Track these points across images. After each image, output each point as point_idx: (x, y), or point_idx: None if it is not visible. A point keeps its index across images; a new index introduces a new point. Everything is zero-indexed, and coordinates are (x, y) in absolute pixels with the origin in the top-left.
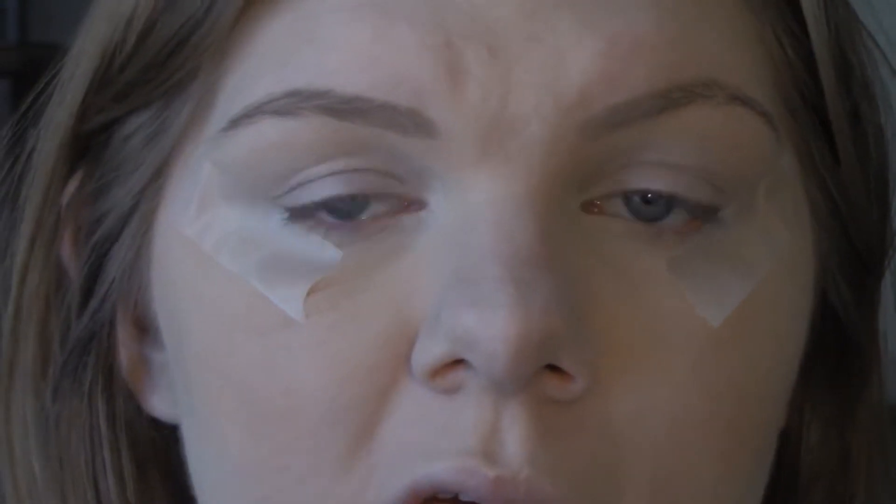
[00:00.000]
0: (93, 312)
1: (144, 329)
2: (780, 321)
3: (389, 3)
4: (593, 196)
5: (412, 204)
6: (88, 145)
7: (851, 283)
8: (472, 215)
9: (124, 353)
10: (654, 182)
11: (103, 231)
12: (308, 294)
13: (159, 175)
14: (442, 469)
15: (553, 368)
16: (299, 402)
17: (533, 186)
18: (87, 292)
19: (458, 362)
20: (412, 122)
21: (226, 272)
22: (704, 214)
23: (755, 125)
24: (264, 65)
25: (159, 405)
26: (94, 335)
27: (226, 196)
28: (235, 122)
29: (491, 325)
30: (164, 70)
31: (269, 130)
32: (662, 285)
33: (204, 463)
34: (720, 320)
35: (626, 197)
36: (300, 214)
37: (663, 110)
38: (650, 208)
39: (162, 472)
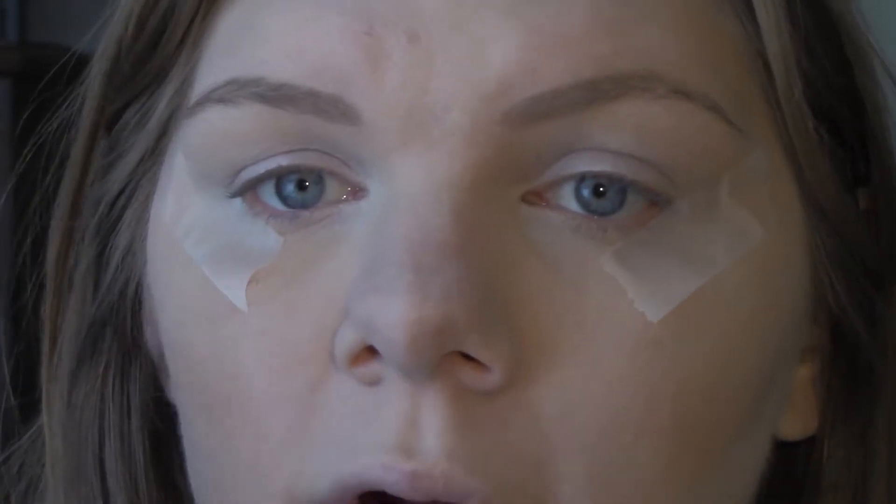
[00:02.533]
0: (102, 297)
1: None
2: (741, 319)
3: None
4: (535, 187)
5: (358, 190)
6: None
7: (851, 286)
8: (393, 203)
9: (150, 335)
10: (596, 165)
11: (100, 215)
12: (250, 283)
13: (152, 162)
14: (364, 465)
15: (469, 358)
16: (243, 389)
17: (455, 175)
18: (97, 277)
19: (372, 351)
20: (335, 108)
21: (187, 259)
22: (657, 203)
23: (702, 119)
24: (216, 55)
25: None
26: (108, 320)
27: (195, 184)
28: (190, 111)
29: (388, 311)
30: (150, 60)
31: (214, 118)
32: (599, 280)
33: (185, 447)
34: (660, 316)
35: (577, 189)
36: (251, 197)
37: (592, 102)
38: (602, 201)
39: (180, 458)
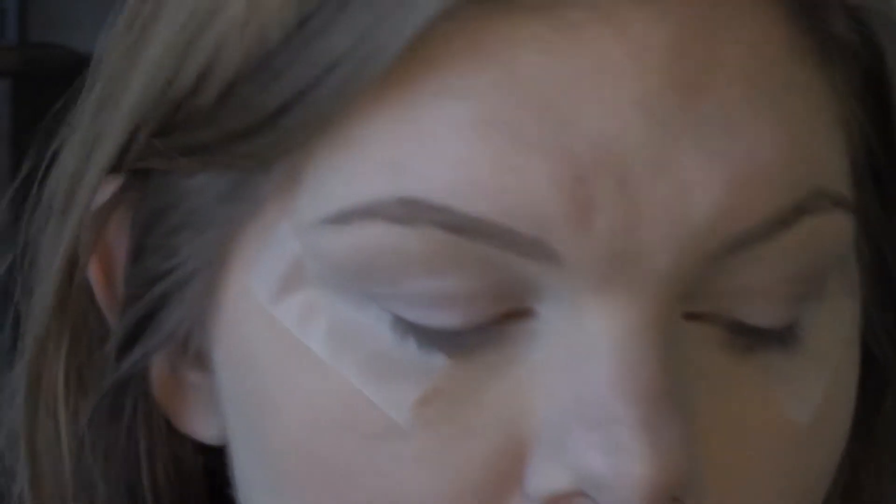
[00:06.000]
0: (136, 360)
1: (182, 346)
2: (849, 397)
3: (512, 124)
4: (694, 310)
5: (521, 311)
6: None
7: (885, 316)
8: (589, 342)
9: (156, 370)
10: (748, 316)
11: (166, 285)
12: (420, 404)
13: (229, 237)
14: None
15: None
16: None
17: (652, 316)
18: (132, 339)
19: (580, 494)
20: (535, 249)
21: (322, 365)
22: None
23: (850, 222)
24: (367, 158)
25: (200, 427)
26: (134, 376)
27: (322, 283)
28: (341, 218)
29: (624, 474)
30: (250, 142)
31: (380, 234)
32: (749, 391)
33: None
34: (808, 419)
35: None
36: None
37: (779, 230)
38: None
39: (206, 492)
